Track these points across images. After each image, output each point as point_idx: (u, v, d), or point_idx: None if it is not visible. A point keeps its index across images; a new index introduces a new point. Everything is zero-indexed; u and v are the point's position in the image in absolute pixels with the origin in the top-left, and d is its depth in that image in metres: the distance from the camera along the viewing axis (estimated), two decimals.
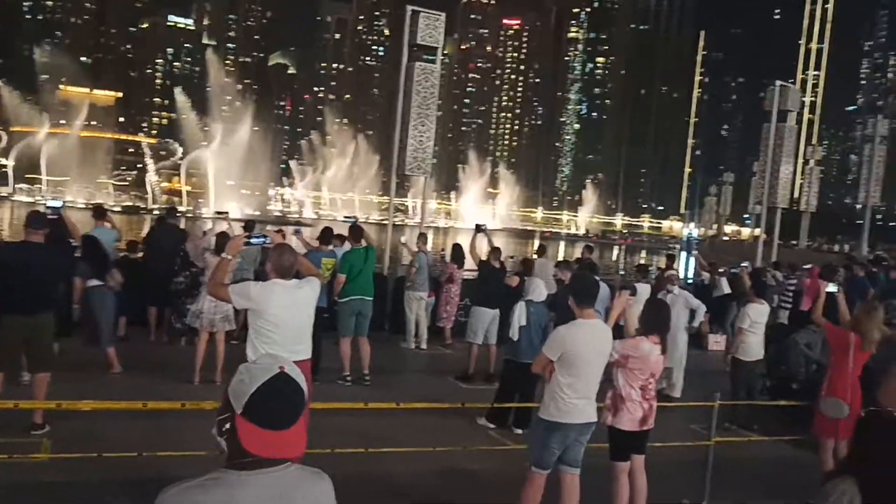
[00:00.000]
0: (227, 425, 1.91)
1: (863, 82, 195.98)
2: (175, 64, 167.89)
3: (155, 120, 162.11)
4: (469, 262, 12.05)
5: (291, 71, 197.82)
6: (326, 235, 10.67)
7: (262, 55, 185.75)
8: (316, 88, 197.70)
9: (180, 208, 37.12)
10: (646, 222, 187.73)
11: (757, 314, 9.06)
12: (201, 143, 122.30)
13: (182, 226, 14.20)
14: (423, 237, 12.86)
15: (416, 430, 7.21)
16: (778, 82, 20.56)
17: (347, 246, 10.56)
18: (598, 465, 5.43)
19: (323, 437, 4.90)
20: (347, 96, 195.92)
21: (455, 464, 6.69)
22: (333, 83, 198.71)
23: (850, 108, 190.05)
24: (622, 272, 28.78)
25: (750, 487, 6.87)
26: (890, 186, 37.79)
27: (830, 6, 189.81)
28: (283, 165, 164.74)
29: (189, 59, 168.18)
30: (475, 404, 8.16)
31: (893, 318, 8.11)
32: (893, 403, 3.37)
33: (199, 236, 12.11)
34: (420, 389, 9.47)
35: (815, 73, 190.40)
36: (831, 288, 7.24)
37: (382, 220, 65.24)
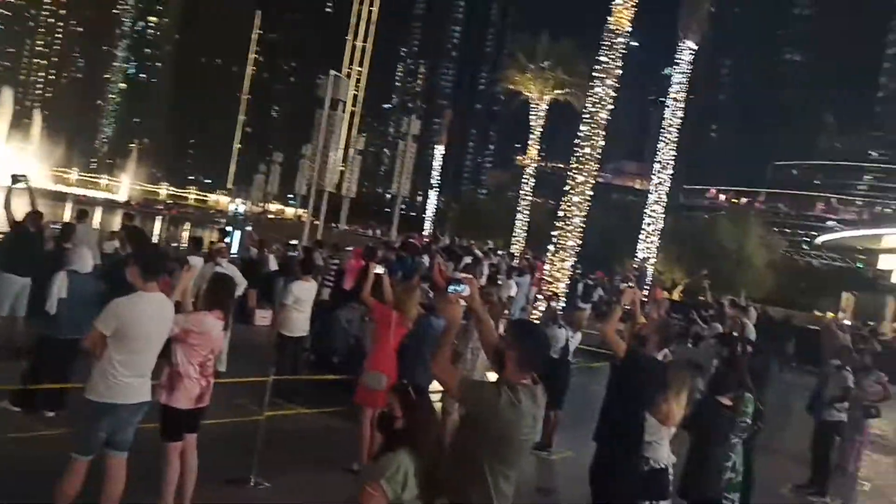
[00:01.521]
0: None
1: (398, 84, 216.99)
2: None
3: None
4: None
5: None
6: None
7: None
8: None
9: None
10: (192, 194, 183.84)
11: (301, 291, 9.34)
12: None
13: None
14: None
15: None
16: (332, 72, 21.70)
17: None
18: (145, 446, 5.13)
19: None
20: None
21: None
22: None
23: (386, 105, 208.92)
24: (175, 245, 27.80)
25: (297, 459, 7.12)
26: (416, 180, 42.33)
27: (375, 9, 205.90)
28: None
29: None
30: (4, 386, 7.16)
31: (426, 297, 9.07)
32: (441, 374, 3.74)
33: None
34: None
35: (359, 68, 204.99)
36: (379, 270, 7.86)
37: None
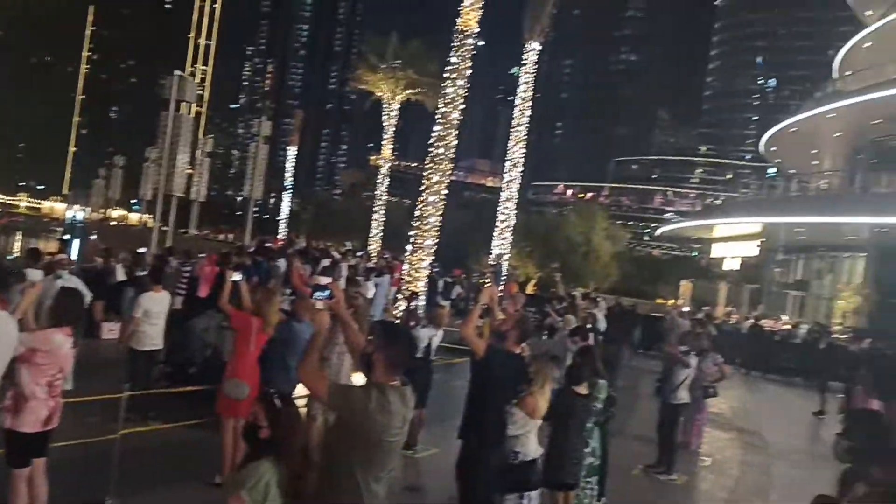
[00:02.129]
0: None
1: (245, 83, 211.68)
2: None
3: None
4: None
5: None
6: None
7: None
8: None
9: None
10: (23, 202, 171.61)
11: (152, 303, 8.92)
12: None
13: None
14: None
15: None
16: (177, 73, 20.92)
17: None
18: None
19: None
20: None
21: None
22: None
23: (234, 106, 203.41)
24: (8, 256, 25.86)
25: (155, 476, 6.84)
26: (269, 181, 41.52)
27: (218, 6, 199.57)
28: None
29: None
30: None
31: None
32: (310, 381, 3.72)
33: None
34: None
35: (204, 67, 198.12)
36: (236, 277, 7.66)
37: None
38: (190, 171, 36.17)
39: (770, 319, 31.89)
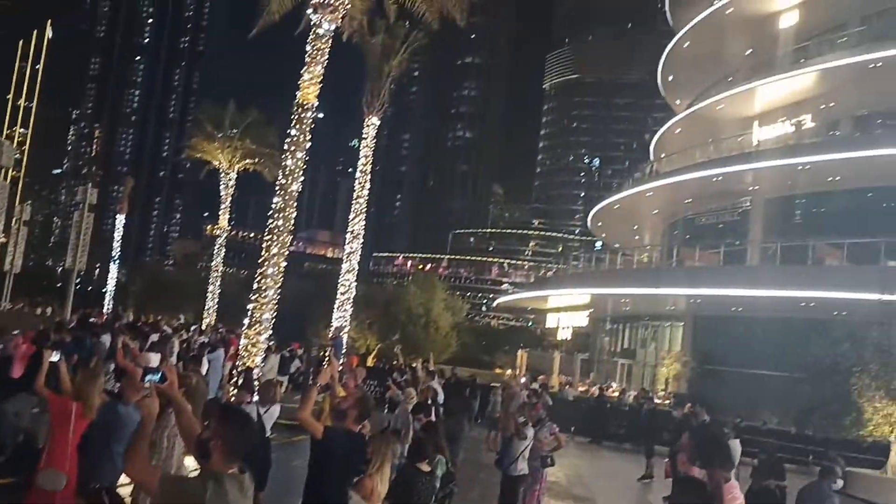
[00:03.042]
0: None
1: (69, 148, 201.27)
2: None
3: None
4: None
5: None
6: None
7: None
8: None
9: None
10: None
11: None
12: None
13: None
14: None
15: None
16: None
17: None
18: None
19: None
20: None
21: None
22: None
23: (57, 171, 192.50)
24: None
25: None
26: (95, 251, 39.29)
27: (41, 66, 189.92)
28: None
29: None
30: None
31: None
32: (138, 474, 3.49)
33: None
34: None
35: (23, 130, 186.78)
36: (54, 357, 7.11)
37: None
38: (3, 239, 33.59)
39: (600, 387, 33.26)
